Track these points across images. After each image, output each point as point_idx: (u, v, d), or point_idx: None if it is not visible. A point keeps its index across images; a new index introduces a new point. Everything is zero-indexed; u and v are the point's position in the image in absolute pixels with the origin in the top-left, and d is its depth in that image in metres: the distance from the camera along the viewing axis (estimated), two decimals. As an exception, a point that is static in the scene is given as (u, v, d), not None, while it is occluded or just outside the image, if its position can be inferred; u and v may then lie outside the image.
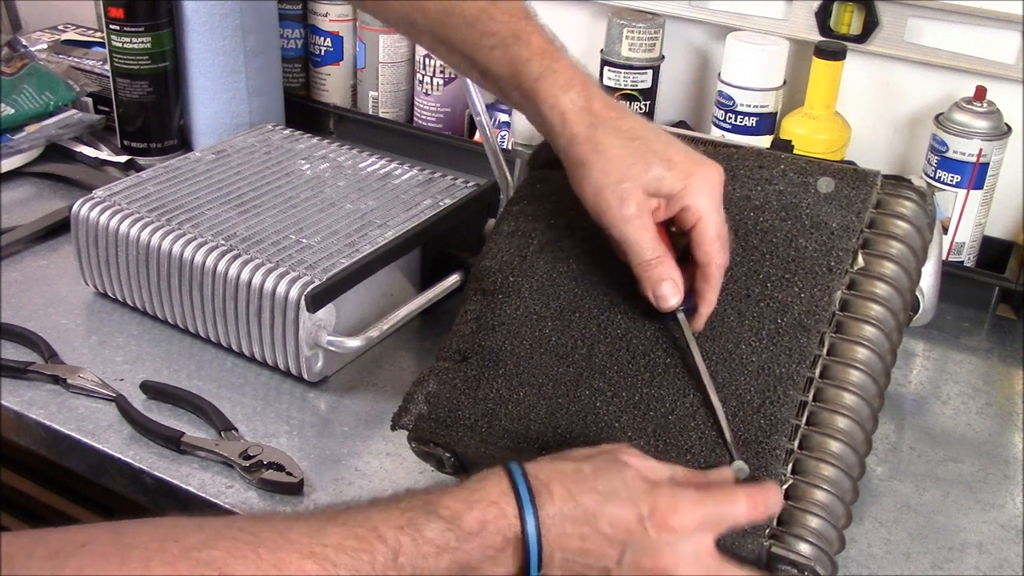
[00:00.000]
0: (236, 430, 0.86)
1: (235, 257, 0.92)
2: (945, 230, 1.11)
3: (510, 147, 1.04)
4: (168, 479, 0.82)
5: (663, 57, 1.25)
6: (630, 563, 0.61)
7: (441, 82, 1.35)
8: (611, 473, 0.63)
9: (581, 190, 0.74)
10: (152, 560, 0.51)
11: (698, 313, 0.74)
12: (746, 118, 1.19)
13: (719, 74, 1.20)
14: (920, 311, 0.93)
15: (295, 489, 0.81)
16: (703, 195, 0.72)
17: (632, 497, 0.62)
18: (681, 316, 0.74)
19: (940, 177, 1.09)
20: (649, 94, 1.25)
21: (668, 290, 0.73)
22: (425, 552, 0.58)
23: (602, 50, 1.25)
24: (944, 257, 1.10)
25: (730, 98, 1.19)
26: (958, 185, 1.09)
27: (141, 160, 1.27)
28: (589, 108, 0.73)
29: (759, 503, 0.65)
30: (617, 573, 0.62)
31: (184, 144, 1.30)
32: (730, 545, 0.67)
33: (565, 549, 0.61)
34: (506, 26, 0.75)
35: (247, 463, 0.82)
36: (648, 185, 0.72)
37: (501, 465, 0.63)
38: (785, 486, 0.69)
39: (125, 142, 1.29)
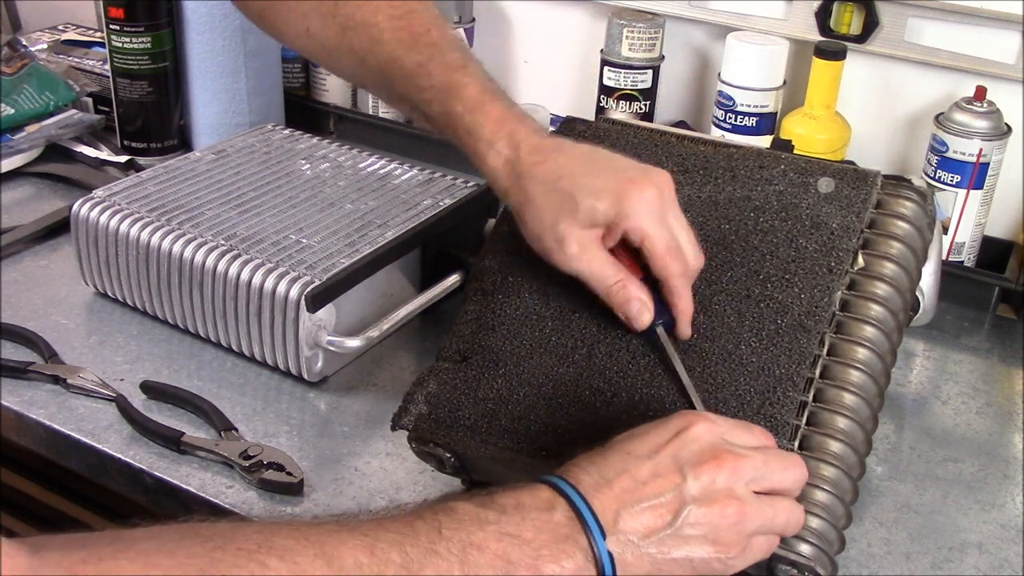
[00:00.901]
0: (236, 430, 0.86)
1: (235, 257, 0.92)
2: (945, 230, 1.11)
3: (510, 147, 1.04)
4: (168, 479, 0.82)
5: (663, 57, 1.25)
6: (693, 468, 0.59)
7: (441, 82, 1.35)
8: (628, 432, 0.63)
9: (526, 238, 0.76)
10: (190, 540, 0.50)
11: (677, 324, 0.74)
12: (746, 118, 1.19)
13: (719, 74, 1.20)
14: (920, 311, 0.93)
15: (295, 489, 0.81)
16: (641, 214, 0.72)
17: (651, 425, 0.62)
18: (660, 331, 0.74)
19: (940, 177, 1.09)
20: (649, 94, 1.25)
21: (635, 310, 0.73)
22: (468, 527, 0.55)
23: (602, 50, 1.25)
24: (944, 257, 1.10)
25: (730, 98, 1.19)
26: (958, 185, 1.09)
27: (141, 160, 1.27)
28: (515, 158, 0.75)
29: (768, 437, 0.64)
30: (690, 488, 0.59)
31: (184, 144, 1.30)
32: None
33: (623, 496, 0.58)
34: (441, 80, 0.77)
35: (247, 463, 0.82)
36: (583, 220, 0.72)
37: (563, 496, 0.60)
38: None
39: (125, 142, 1.29)
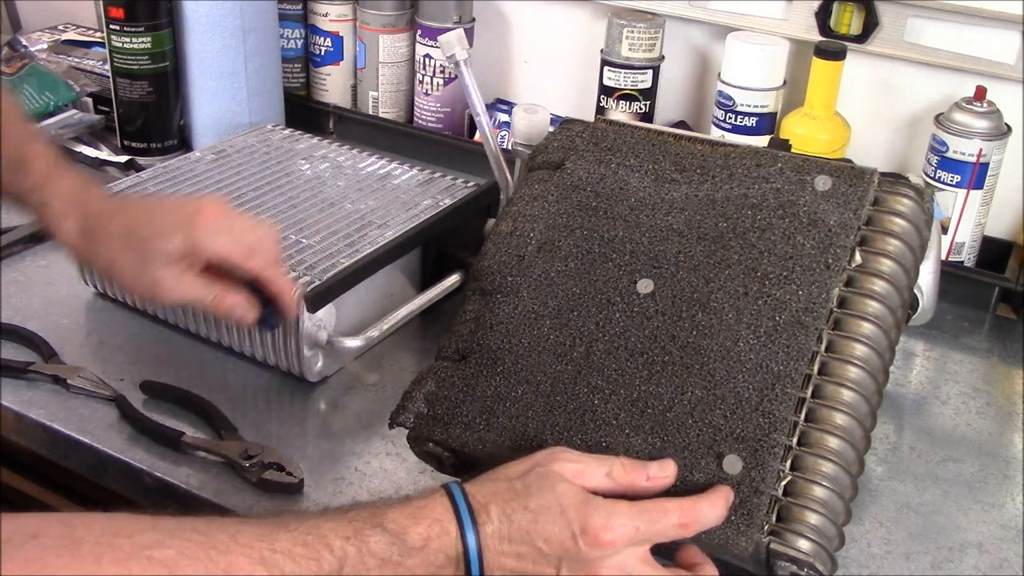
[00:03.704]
0: (236, 430, 0.86)
1: (235, 257, 0.92)
2: (945, 230, 1.11)
3: (510, 147, 1.04)
4: (168, 479, 0.82)
5: (663, 57, 1.25)
6: None
7: (441, 82, 1.35)
8: (543, 489, 0.65)
9: (122, 289, 0.82)
10: (103, 557, 0.51)
11: (283, 308, 0.83)
12: (746, 118, 1.19)
13: (719, 74, 1.20)
14: (920, 310, 0.93)
15: (295, 489, 0.81)
16: (210, 239, 0.78)
17: (565, 514, 0.64)
18: (271, 322, 0.84)
19: (940, 177, 1.09)
20: (649, 94, 1.25)
21: (239, 314, 0.82)
22: (369, 565, 0.60)
23: (602, 50, 1.25)
24: (944, 257, 1.10)
25: (730, 98, 1.19)
26: (958, 185, 1.09)
27: (141, 160, 1.27)
28: (86, 228, 0.80)
29: (690, 520, 0.66)
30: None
31: (184, 144, 1.30)
32: (726, 543, 0.68)
33: (503, 568, 0.63)
34: (10, 155, 0.80)
35: (247, 463, 0.82)
36: (163, 261, 0.78)
37: (442, 485, 0.65)
38: (784, 483, 0.69)
39: (125, 142, 1.29)
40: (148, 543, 0.53)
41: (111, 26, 1.22)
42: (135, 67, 1.23)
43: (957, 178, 1.08)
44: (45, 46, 1.51)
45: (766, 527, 0.67)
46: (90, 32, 1.58)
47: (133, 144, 1.29)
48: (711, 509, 0.67)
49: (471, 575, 0.62)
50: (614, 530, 0.64)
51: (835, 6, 1.17)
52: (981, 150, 1.07)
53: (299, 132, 1.17)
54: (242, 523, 0.58)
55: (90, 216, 0.80)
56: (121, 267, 0.80)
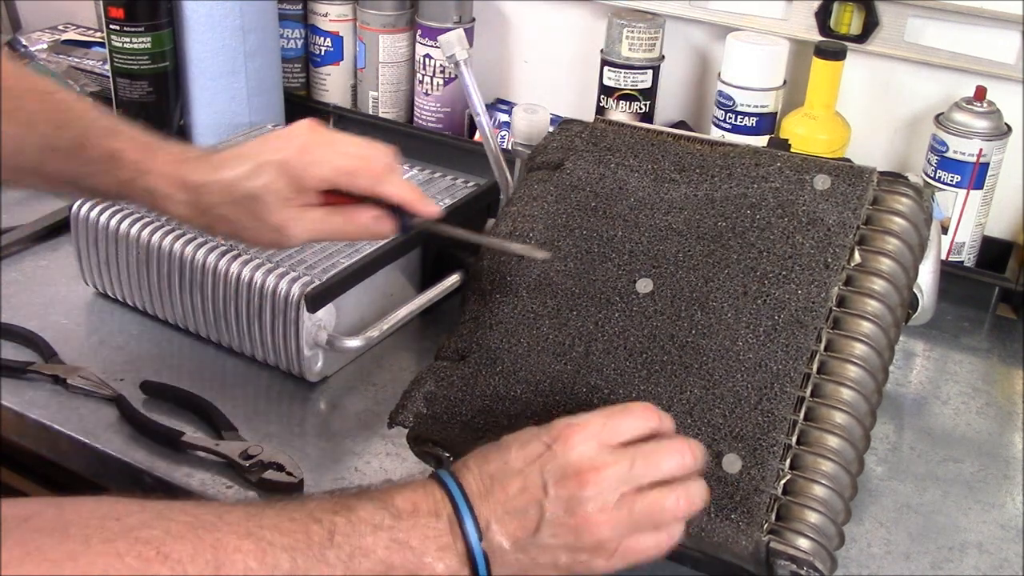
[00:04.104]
0: (236, 430, 0.86)
1: (235, 257, 0.92)
2: (945, 230, 1.11)
3: (510, 147, 1.04)
4: (168, 479, 0.82)
5: (663, 57, 1.25)
6: (555, 485, 0.62)
7: (441, 82, 1.35)
8: (514, 435, 0.66)
9: (260, 244, 0.79)
10: (92, 537, 0.52)
11: (414, 210, 0.78)
12: (746, 118, 1.19)
13: (719, 74, 1.20)
14: (919, 310, 0.93)
15: (295, 489, 0.81)
16: (312, 162, 0.75)
17: (531, 434, 0.65)
18: (415, 221, 0.78)
19: (940, 177, 1.09)
20: (649, 94, 1.25)
21: (375, 226, 0.78)
22: (361, 531, 0.59)
23: (602, 50, 1.25)
24: (944, 257, 1.10)
25: (730, 98, 1.19)
26: (958, 185, 1.09)
27: (141, 161, 1.27)
28: (194, 199, 0.76)
29: (653, 415, 0.66)
30: (551, 503, 0.62)
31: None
32: (726, 542, 0.68)
33: (495, 506, 0.62)
34: (99, 153, 0.77)
35: (247, 463, 0.82)
36: (275, 201, 0.75)
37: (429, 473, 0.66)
38: (783, 481, 0.69)
39: (126, 143, 1.29)
40: (136, 524, 0.53)
41: (111, 26, 1.22)
42: (135, 67, 1.23)
43: (957, 178, 1.08)
44: (45, 46, 1.51)
45: (766, 526, 0.67)
46: (90, 32, 1.58)
47: (133, 144, 1.28)
48: (670, 419, 0.68)
49: (465, 527, 0.62)
50: (582, 427, 0.64)
51: (835, 6, 1.17)
52: (981, 150, 1.07)
53: (299, 132, 1.16)
54: (229, 504, 0.60)
55: (194, 188, 0.77)
56: (241, 229, 0.77)
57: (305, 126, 0.78)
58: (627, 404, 0.67)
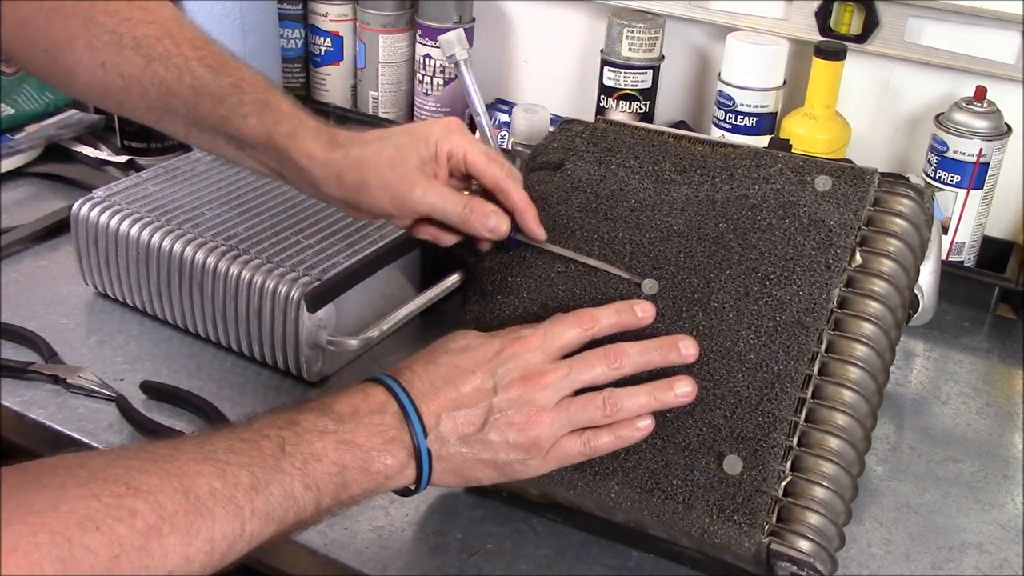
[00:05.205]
0: (236, 430, 0.86)
1: (235, 257, 0.92)
2: (945, 230, 1.11)
3: (510, 147, 1.04)
4: (168, 479, 0.82)
5: (663, 57, 1.25)
6: (505, 387, 0.69)
7: (441, 82, 1.35)
8: (459, 341, 0.73)
9: (378, 205, 0.79)
10: (66, 484, 0.54)
11: (525, 224, 0.81)
12: (746, 118, 1.19)
13: (719, 74, 1.20)
14: (920, 310, 0.93)
15: (294, 488, 0.81)
16: (452, 135, 0.79)
17: (481, 341, 0.72)
18: (519, 236, 0.81)
19: (940, 177, 1.09)
20: (649, 94, 1.25)
21: (495, 220, 0.79)
22: (308, 439, 0.63)
23: (602, 50, 1.25)
24: (944, 257, 1.10)
25: (730, 98, 1.19)
26: (958, 185, 1.09)
27: (141, 160, 1.27)
28: (335, 141, 0.79)
29: (584, 318, 0.73)
30: (499, 402, 0.69)
31: (184, 144, 1.30)
32: (727, 543, 0.68)
33: (445, 403, 0.68)
34: (255, 96, 0.80)
35: (246, 462, 0.82)
36: (414, 160, 0.78)
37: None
38: (784, 483, 0.69)
39: (125, 142, 1.29)
40: (100, 466, 0.56)
41: (111, 26, 1.22)
42: (135, 67, 1.23)
43: (957, 178, 1.08)
44: (45, 46, 1.51)
45: (767, 527, 0.67)
46: (90, 32, 1.58)
47: (133, 144, 1.28)
48: (607, 314, 0.74)
49: (411, 421, 0.67)
50: (529, 332, 0.72)
51: (835, 6, 1.17)
52: (981, 150, 1.07)
53: (299, 132, 1.16)
54: (178, 439, 0.63)
55: (338, 135, 0.80)
56: (370, 177, 0.79)
57: (449, 119, 0.82)
58: (561, 314, 0.74)
